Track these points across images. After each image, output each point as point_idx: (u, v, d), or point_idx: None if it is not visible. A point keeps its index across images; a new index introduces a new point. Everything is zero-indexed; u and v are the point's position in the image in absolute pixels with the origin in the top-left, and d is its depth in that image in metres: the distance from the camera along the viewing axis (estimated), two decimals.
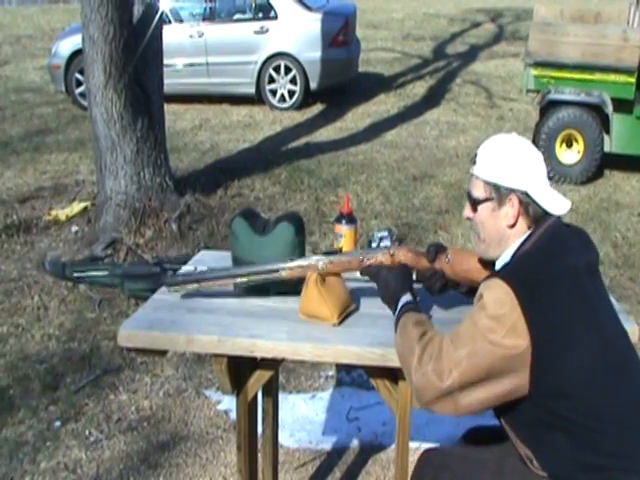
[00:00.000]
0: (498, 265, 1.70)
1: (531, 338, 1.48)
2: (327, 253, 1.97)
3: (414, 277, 1.87)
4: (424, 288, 1.91)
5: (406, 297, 1.76)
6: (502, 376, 1.51)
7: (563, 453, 1.54)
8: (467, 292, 1.89)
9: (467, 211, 1.73)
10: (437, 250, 1.86)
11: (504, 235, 1.66)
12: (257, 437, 2.23)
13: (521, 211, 1.63)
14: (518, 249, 1.64)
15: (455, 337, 1.55)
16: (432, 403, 1.55)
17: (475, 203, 1.69)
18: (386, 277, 1.82)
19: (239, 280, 1.97)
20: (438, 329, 1.66)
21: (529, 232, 1.64)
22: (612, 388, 1.54)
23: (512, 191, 1.63)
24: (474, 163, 1.70)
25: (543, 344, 1.48)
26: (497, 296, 1.51)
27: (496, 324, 1.49)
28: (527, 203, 1.63)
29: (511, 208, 1.64)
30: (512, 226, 1.65)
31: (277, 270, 1.93)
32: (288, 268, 1.93)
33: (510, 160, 1.64)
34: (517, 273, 1.56)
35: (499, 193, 1.64)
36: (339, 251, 2.04)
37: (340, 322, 1.90)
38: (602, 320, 1.59)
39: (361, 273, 1.91)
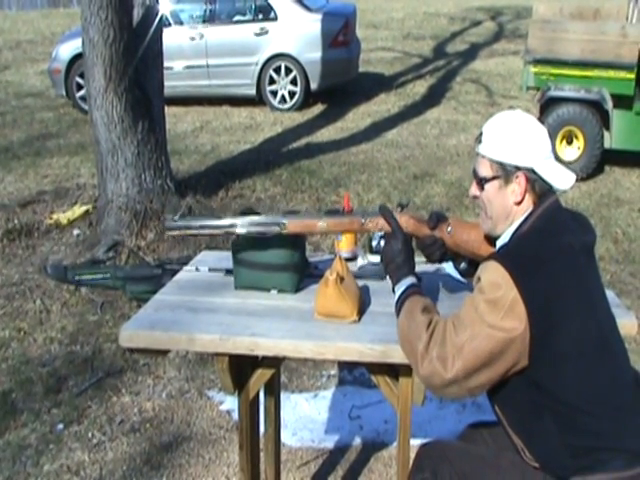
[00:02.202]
0: (497, 245, 1.73)
1: (528, 316, 1.50)
2: (329, 212, 1.97)
3: (414, 246, 1.87)
4: (424, 256, 1.91)
5: (411, 278, 1.76)
6: (503, 356, 1.53)
7: (552, 439, 1.56)
8: (467, 266, 1.89)
9: (473, 189, 1.73)
10: (439, 219, 1.87)
11: (511, 211, 1.67)
12: (259, 436, 2.23)
13: (528, 188, 1.65)
14: (516, 230, 1.66)
15: (457, 321, 1.58)
16: (440, 390, 1.58)
17: (482, 182, 1.69)
18: (394, 248, 1.80)
19: (239, 231, 1.95)
20: (440, 313, 1.69)
21: (528, 212, 1.65)
22: (597, 367, 1.56)
23: (518, 169, 1.64)
24: (480, 142, 1.70)
25: (540, 321, 1.50)
26: (493, 279, 1.53)
27: (494, 307, 1.51)
28: (533, 180, 1.64)
29: (518, 186, 1.65)
30: (519, 203, 1.66)
31: (279, 224, 1.93)
32: (290, 223, 1.92)
33: (516, 138, 1.65)
34: (513, 254, 1.59)
35: (505, 171, 1.65)
36: (342, 211, 2.02)
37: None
38: (595, 300, 1.61)
39: (380, 210, 1.87)
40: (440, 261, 1.91)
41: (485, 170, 1.68)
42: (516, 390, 1.59)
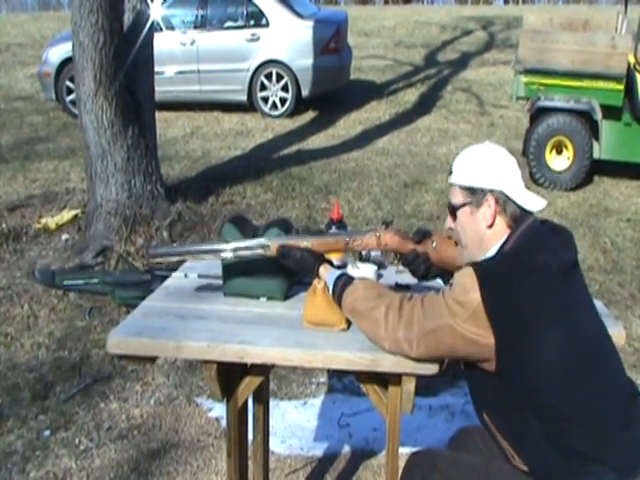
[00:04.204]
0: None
1: (494, 331, 1.53)
2: (313, 233, 1.97)
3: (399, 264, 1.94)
4: (409, 271, 1.92)
5: (333, 270, 1.84)
6: (466, 351, 1.60)
7: (541, 444, 1.56)
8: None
9: (448, 222, 1.77)
10: (424, 234, 1.89)
11: (484, 237, 1.69)
12: (248, 444, 2.22)
13: (498, 210, 1.67)
14: (500, 249, 1.66)
15: (428, 305, 1.63)
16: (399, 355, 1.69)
17: (454, 210, 1.73)
18: (298, 253, 1.88)
19: (224, 255, 1.97)
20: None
21: (509, 232, 1.67)
22: (584, 381, 1.56)
23: (488, 192, 1.66)
24: (450, 173, 1.74)
25: (507, 338, 1.53)
26: (464, 282, 1.58)
27: (460, 308, 1.56)
28: (504, 202, 1.66)
29: (488, 208, 1.67)
30: (490, 226, 1.67)
31: (263, 246, 1.94)
32: (274, 245, 1.93)
33: (483, 163, 1.69)
34: (489, 267, 1.61)
35: (475, 195, 1.68)
36: (326, 231, 2.03)
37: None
38: (573, 317, 1.61)
39: (280, 256, 1.92)
40: (426, 277, 1.92)
41: (456, 198, 1.72)
42: (501, 397, 1.60)
